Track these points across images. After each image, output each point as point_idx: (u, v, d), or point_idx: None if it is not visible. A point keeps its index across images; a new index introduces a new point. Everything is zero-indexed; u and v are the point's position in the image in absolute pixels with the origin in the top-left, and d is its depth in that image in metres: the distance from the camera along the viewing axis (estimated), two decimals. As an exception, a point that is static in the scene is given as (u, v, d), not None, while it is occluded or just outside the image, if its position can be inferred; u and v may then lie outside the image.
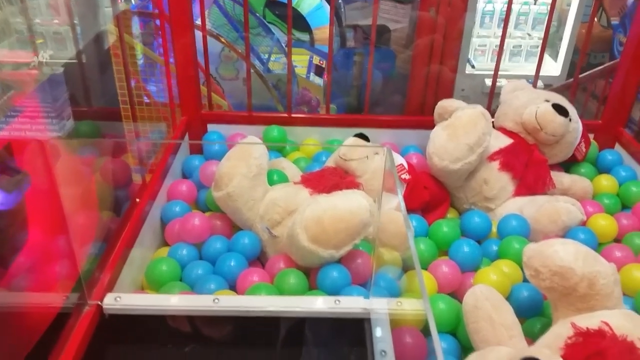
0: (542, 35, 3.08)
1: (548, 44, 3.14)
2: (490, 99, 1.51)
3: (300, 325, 0.91)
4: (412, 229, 1.11)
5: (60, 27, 1.96)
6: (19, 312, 0.87)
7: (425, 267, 1.08)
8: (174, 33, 1.34)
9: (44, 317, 0.87)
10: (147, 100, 1.84)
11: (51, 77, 1.13)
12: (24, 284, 0.91)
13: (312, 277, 1.04)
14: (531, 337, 0.90)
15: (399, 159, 1.27)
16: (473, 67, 3.04)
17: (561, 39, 3.07)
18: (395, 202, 1.22)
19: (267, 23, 2.83)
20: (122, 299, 0.89)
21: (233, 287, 1.03)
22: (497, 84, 1.50)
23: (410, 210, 1.23)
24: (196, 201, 1.27)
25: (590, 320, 0.80)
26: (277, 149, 1.44)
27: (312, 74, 3.10)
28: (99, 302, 0.88)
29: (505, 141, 1.28)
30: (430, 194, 1.25)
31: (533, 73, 1.51)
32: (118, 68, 1.42)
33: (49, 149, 0.91)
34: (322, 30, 3.01)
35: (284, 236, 1.08)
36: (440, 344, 0.53)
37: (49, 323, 0.84)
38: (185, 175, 1.37)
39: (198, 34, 1.43)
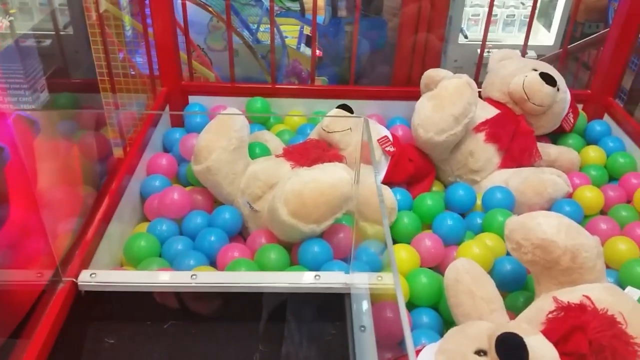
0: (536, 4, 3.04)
1: (542, 13, 3.11)
2: (478, 69, 1.48)
3: (280, 300, 0.90)
4: (395, 201, 1.08)
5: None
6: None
7: (408, 240, 1.07)
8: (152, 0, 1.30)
9: (23, 296, 0.85)
10: (133, 72, 1.80)
11: (22, 47, 1.10)
12: (1, 262, 0.89)
13: (294, 253, 1.02)
14: (514, 310, 0.89)
15: (383, 131, 1.25)
16: (466, 37, 2.99)
17: (555, 8, 3.02)
18: (378, 175, 1.20)
19: (256, -9, 2.76)
20: (98, 276, 0.87)
21: (213, 263, 1.02)
22: (490, 54, 1.46)
23: (394, 183, 1.21)
24: (177, 175, 1.24)
25: (572, 294, 0.79)
26: (261, 122, 1.41)
27: (302, 44, 3.04)
28: (74, 279, 0.86)
29: (491, 112, 1.26)
30: (415, 167, 1.23)
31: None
32: (94, 39, 1.37)
33: (19, 121, 0.88)
34: (312, -1, 2.94)
35: (265, 211, 1.06)
36: (406, 318, 0.52)
37: (31, 301, 0.83)
38: (166, 148, 1.34)
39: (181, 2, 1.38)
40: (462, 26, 2.97)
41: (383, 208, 0.70)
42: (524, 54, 1.45)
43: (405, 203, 1.15)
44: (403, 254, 1.01)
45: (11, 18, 1.14)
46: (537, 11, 3.07)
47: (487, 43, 1.46)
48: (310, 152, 1.13)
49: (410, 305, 0.96)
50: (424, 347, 0.76)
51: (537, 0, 1.38)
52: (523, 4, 3.02)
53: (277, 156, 1.15)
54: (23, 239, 0.92)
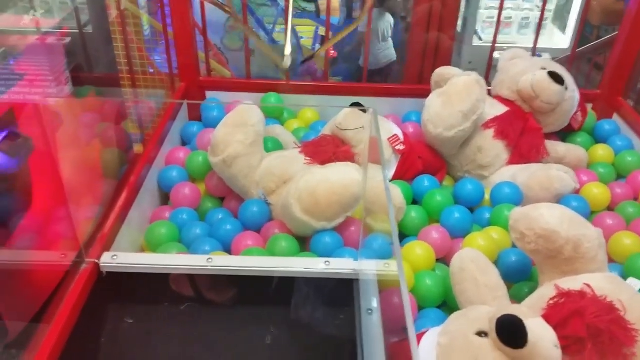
0: (551, 7, 3.03)
1: (557, 16, 3.11)
2: (489, 69, 1.50)
3: (291, 285, 0.93)
4: (403, 201, 1.11)
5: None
6: (22, 271, 0.90)
7: (415, 233, 1.10)
8: (171, -1, 1.35)
9: (48, 277, 0.89)
10: (152, 71, 1.85)
11: (49, 42, 1.15)
12: (26, 245, 0.94)
13: (307, 243, 1.06)
14: (519, 300, 0.91)
15: (394, 129, 1.27)
16: (480, 39, 3.01)
17: (570, 11, 3.03)
18: (388, 173, 1.23)
19: (272, -7, 2.80)
20: (119, 258, 0.91)
21: (228, 251, 1.05)
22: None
23: (405, 180, 1.24)
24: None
25: (573, 283, 0.81)
26: (275, 116, 1.45)
27: (317, 45, 3.08)
28: (96, 261, 0.90)
29: (500, 109, 1.28)
30: (424, 164, 1.26)
31: (541, 46, 1.50)
32: (115, 37, 1.42)
33: (44, 111, 0.93)
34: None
35: (279, 205, 1.09)
36: (408, 297, 0.56)
37: (56, 283, 0.87)
38: (184, 142, 1.38)
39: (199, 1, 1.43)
40: (477, 28, 2.99)
41: (390, 205, 0.73)
42: (533, 53, 1.47)
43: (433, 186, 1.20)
44: (418, 250, 1.03)
45: (37, 14, 1.19)
46: (552, 14, 3.10)
47: (502, 45, 1.48)
48: (325, 148, 1.17)
49: (415, 292, 0.99)
50: (427, 330, 0.79)
51: (546, 1, 1.40)
52: (538, 6, 3.03)
53: (297, 148, 1.18)
54: (47, 225, 0.97)
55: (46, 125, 0.96)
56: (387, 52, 2.81)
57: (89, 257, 0.90)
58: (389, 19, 2.78)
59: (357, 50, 2.88)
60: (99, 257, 0.90)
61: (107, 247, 0.94)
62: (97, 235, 0.95)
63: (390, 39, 2.81)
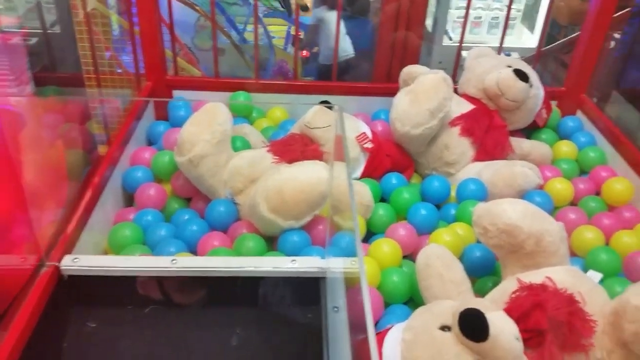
0: (520, 7, 3.08)
1: (526, 16, 3.16)
2: (455, 68, 1.52)
3: (257, 285, 0.92)
4: (371, 199, 1.12)
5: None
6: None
7: (383, 230, 1.10)
8: (137, -4, 1.33)
9: (8, 282, 0.87)
10: (120, 70, 1.82)
11: (8, 42, 1.12)
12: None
13: (274, 242, 1.05)
14: (482, 294, 0.92)
15: (362, 127, 1.28)
16: (451, 39, 3.03)
17: (538, 11, 3.08)
18: (356, 171, 1.23)
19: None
20: (80, 260, 0.89)
21: (194, 252, 1.04)
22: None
23: (373, 178, 1.24)
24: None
25: (535, 276, 0.83)
26: (244, 116, 1.44)
27: (290, 45, 3.08)
28: (57, 264, 0.88)
29: (467, 107, 1.30)
30: (392, 162, 1.27)
31: (511, 45, 1.52)
32: (81, 37, 1.40)
33: (3, 113, 0.91)
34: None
35: (246, 205, 1.09)
36: (368, 294, 0.56)
37: (17, 288, 0.84)
38: (150, 142, 1.36)
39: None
40: (447, 28, 3.01)
41: (353, 202, 0.74)
42: (499, 52, 1.49)
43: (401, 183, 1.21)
44: (385, 247, 1.03)
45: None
46: (521, 14, 3.15)
47: (471, 45, 1.50)
48: (293, 147, 1.17)
49: (385, 303, 1.00)
50: (393, 326, 0.80)
51: (512, 0, 1.43)
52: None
53: (265, 147, 1.17)
54: (7, 228, 0.94)
55: (5, 126, 0.94)
56: (343, 46, 2.80)
57: (49, 260, 0.88)
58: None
59: (309, 45, 2.89)
60: (59, 260, 0.88)
61: (68, 250, 0.92)
62: (59, 237, 0.93)
63: (346, 36, 2.82)
